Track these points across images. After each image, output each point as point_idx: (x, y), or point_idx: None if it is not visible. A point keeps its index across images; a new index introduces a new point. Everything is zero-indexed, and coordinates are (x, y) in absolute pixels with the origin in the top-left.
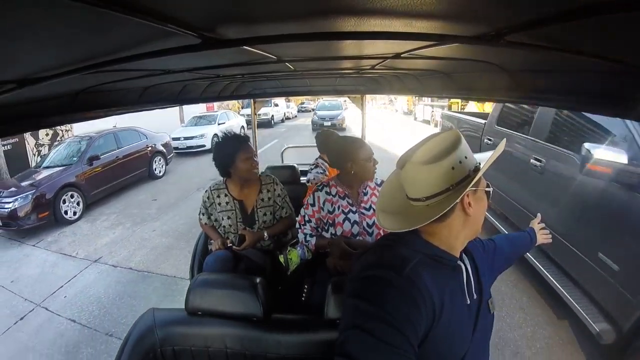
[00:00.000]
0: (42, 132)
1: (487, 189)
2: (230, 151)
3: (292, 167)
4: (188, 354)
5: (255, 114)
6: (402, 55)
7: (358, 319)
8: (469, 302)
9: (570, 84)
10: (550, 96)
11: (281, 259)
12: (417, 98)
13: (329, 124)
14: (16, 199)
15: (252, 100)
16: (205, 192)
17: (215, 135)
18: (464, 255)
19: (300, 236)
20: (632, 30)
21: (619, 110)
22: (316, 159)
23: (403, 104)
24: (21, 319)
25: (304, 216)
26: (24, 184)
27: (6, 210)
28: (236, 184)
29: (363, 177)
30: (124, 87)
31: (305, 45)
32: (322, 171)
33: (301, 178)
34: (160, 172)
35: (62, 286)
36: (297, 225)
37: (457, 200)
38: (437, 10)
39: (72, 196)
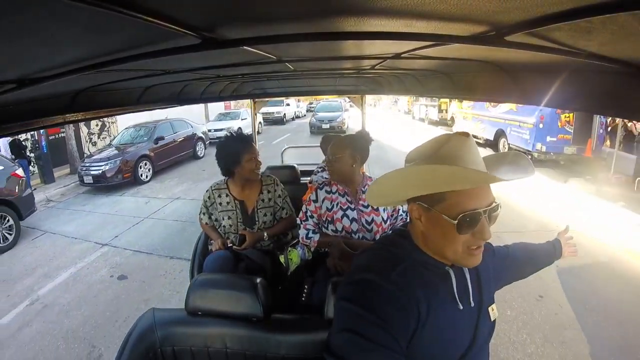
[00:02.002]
0: (92, 123)
1: (450, 220)
2: (236, 151)
3: (292, 167)
4: (188, 353)
5: (255, 114)
6: (402, 55)
7: (348, 321)
8: (461, 307)
9: (570, 84)
10: (550, 96)
11: (281, 259)
12: (415, 98)
13: (327, 126)
14: (107, 164)
15: (251, 100)
16: (207, 191)
17: (239, 128)
18: None
19: (302, 232)
20: (632, 30)
21: (619, 110)
22: (323, 161)
23: (404, 104)
24: (135, 224)
25: (306, 212)
26: (105, 154)
27: (98, 171)
28: (237, 184)
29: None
30: (124, 87)
31: (305, 45)
32: (327, 175)
33: (301, 178)
34: (201, 153)
35: (159, 209)
36: (298, 222)
37: (403, 200)
38: (437, 10)
39: (145, 164)
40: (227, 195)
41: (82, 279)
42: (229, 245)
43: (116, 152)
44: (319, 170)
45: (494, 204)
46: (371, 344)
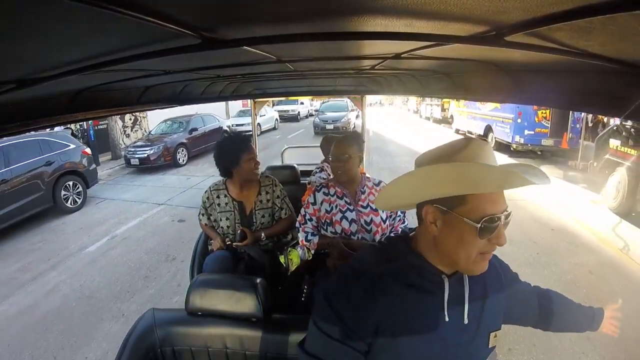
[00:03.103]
0: (127, 117)
1: (473, 223)
2: (236, 151)
3: (292, 167)
4: (188, 353)
5: (256, 115)
6: (402, 56)
7: (316, 309)
8: (447, 319)
9: (570, 84)
10: (550, 96)
11: (281, 259)
12: (422, 98)
13: (331, 127)
14: (152, 149)
15: (252, 100)
16: (205, 192)
17: (258, 124)
18: (463, 275)
19: (301, 235)
20: (632, 30)
21: (619, 110)
22: (322, 162)
23: (413, 103)
24: (182, 192)
25: (305, 215)
26: (142, 143)
27: (144, 155)
28: (236, 184)
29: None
30: (124, 87)
31: (305, 45)
32: (326, 176)
33: (301, 178)
34: None
35: (199, 182)
36: (297, 225)
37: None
38: (437, 10)
39: (182, 150)
40: (225, 196)
41: (149, 223)
42: (228, 242)
43: (148, 143)
44: (317, 170)
45: (508, 210)
46: (323, 337)
